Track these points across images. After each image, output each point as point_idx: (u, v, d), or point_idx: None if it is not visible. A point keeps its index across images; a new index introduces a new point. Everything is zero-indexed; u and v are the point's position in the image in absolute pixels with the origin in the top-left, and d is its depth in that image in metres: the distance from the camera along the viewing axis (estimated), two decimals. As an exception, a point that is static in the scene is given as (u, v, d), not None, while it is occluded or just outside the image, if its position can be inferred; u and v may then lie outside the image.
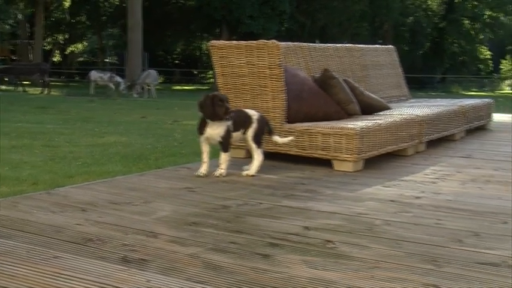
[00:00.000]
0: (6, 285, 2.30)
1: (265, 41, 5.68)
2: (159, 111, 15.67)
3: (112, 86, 23.96)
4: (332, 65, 7.12)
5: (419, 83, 33.73)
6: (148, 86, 23.35)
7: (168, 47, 43.65)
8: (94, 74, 24.80)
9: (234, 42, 5.89)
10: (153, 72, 24.24)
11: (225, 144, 5.00)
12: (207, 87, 35.29)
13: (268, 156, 5.57)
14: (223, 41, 6.02)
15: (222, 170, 5.02)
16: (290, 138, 5.40)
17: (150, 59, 33.92)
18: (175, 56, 46.48)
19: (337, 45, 7.63)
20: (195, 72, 44.27)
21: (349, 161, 5.37)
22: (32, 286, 2.30)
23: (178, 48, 45.69)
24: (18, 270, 2.47)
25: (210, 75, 42.66)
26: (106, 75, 24.88)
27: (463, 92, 33.99)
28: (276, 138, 5.31)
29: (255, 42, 5.74)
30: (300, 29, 35.14)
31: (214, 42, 6.03)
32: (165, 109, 16.40)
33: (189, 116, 13.80)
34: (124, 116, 13.89)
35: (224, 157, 5.02)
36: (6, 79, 27.81)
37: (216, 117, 4.88)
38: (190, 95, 26.21)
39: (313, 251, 3.17)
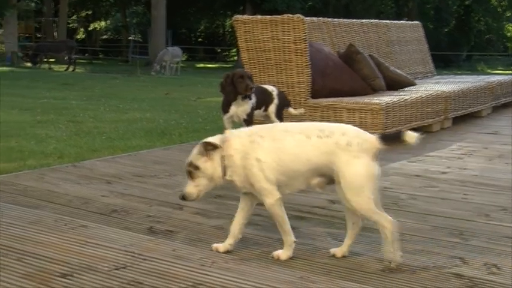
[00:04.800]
0: (35, 251, 2.33)
1: (290, 15, 5.64)
2: (182, 88, 15.66)
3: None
4: (357, 40, 7.05)
5: (444, 61, 33.36)
6: (172, 63, 23.22)
7: (191, 25, 43.53)
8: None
9: (259, 16, 5.85)
10: (172, 50, 23.95)
11: (250, 121, 4.96)
12: (230, 65, 35.20)
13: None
14: (247, 16, 5.99)
15: None
16: (302, 110, 5.30)
17: (174, 37, 33.87)
18: (198, 34, 46.39)
19: (362, 20, 7.55)
20: (218, 50, 44.20)
21: (374, 136, 5.33)
22: (60, 252, 2.32)
23: (202, 26, 45.57)
24: (45, 238, 2.49)
25: (234, 53, 42.56)
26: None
27: (489, 71, 33.55)
28: (290, 110, 5.25)
29: (279, 16, 5.70)
30: (324, 6, 34.82)
31: (238, 16, 5.99)
32: (188, 86, 16.38)
33: (213, 93, 13.75)
34: (147, 92, 13.90)
35: None
36: (26, 58, 27.93)
37: (237, 95, 4.80)
38: (214, 72, 26.19)
39: (338, 224, 3.16)
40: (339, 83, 5.92)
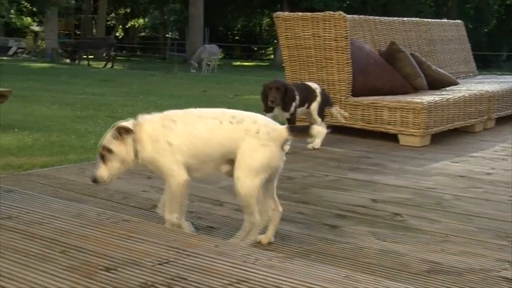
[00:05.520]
0: (78, 244, 2.33)
1: (332, 12, 5.59)
2: (219, 85, 15.70)
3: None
4: (398, 39, 6.96)
5: (483, 61, 32.82)
6: (210, 61, 23.24)
7: (228, 23, 43.62)
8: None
9: (300, 13, 5.81)
10: (210, 47, 23.97)
11: (293, 120, 4.92)
12: (266, 64, 35.20)
13: (332, 129, 5.49)
14: (288, 13, 5.94)
15: (287, 146, 4.86)
16: (344, 114, 5.28)
17: (211, 34, 33.98)
18: (235, 32, 46.47)
19: (404, 19, 7.46)
20: (255, 49, 44.21)
21: (415, 135, 5.26)
22: (103, 246, 2.31)
23: (239, 24, 45.63)
24: (89, 232, 2.49)
25: (270, 52, 42.50)
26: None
27: (530, 72, 32.94)
28: (334, 110, 5.22)
29: (321, 13, 5.66)
30: (362, 5, 34.59)
31: (279, 13, 5.96)
32: (225, 84, 16.41)
33: (250, 91, 13.77)
34: (185, 89, 13.96)
35: None
36: (65, 54, 28.34)
37: (269, 108, 4.81)
38: (250, 70, 26.21)
39: (381, 223, 3.12)
40: (379, 81, 5.85)
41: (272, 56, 38.08)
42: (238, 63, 33.37)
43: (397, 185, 3.94)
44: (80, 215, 2.75)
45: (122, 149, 2.64)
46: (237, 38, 45.62)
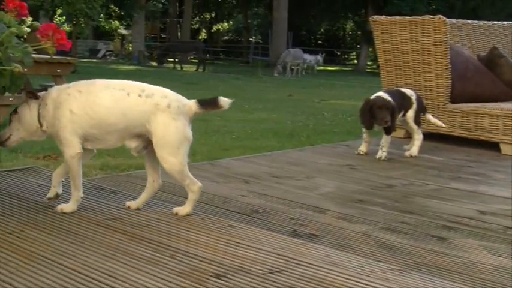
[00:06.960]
0: (186, 249, 2.30)
1: (431, 16, 5.43)
2: (304, 90, 15.61)
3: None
4: (497, 43, 6.68)
5: None
6: (294, 65, 23.19)
7: (311, 27, 43.52)
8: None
9: (398, 17, 5.66)
10: (294, 51, 23.94)
11: (390, 127, 4.77)
12: (349, 69, 34.92)
13: (429, 136, 5.33)
14: (385, 16, 5.80)
15: (384, 152, 4.75)
16: (441, 123, 5.11)
17: (294, 39, 33.95)
18: (318, 36, 46.30)
19: (504, 23, 7.17)
20: (338, 53, 43.91)
21: (519, 145, 5.03)
22: (211, 252, 2.27)
23: (322, 28, 45.45)
24: (195, 236, 2.46)
25: (353, 57, 42.15)
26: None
27: None
28: (429, 117, 5.07)
29: (419, 17, 5.50)
30: (450, 9, 33.80)
31: (376, 17, 5.83)
32: (310, 88, 16.31)
33: (336, 96, 13.64)
34: (270, 93, 13.95)
35: (386, 139, 4.76)
36: (153, 56, 28.94)
37: (373, 124, 4.68)
38: (334, 75, 26.02)
39: (493, 237, 2.96)
40: (479, 87, 5.64)
41: (355, 61, 37.71)
42: (321, 67, 33.14)
43: (505, 196, 3.75)
44: (184, 218, 2.73)
45: (26, 112, 2.71)
46: (319, 42, 45.43)
